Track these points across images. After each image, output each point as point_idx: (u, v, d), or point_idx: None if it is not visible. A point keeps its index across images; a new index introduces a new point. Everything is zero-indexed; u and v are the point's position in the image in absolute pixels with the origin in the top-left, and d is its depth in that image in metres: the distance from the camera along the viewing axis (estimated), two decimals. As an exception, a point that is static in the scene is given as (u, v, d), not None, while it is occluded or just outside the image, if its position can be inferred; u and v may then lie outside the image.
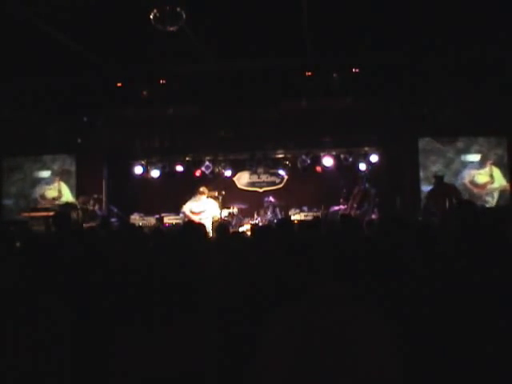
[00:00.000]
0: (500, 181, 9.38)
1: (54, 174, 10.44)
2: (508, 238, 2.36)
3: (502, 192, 9.35)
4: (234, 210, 9.19)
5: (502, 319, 1.80)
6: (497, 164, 9.45)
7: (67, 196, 10.27)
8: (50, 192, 10.39)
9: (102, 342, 1.90)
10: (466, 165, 9.52)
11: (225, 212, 8.92)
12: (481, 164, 9.46)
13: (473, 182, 9.44)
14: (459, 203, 3.63)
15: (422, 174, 9.57)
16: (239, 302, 2.47)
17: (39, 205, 10.03)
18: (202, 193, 8.46)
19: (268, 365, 1.51)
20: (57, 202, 10.06)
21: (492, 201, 9.33)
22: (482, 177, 9.43)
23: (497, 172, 9.41)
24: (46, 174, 10.48)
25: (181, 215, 9.22)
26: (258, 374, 1.52)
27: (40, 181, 10.47)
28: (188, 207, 8.47)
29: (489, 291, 1.88)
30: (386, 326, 1.54)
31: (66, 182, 10.40)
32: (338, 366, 1.44)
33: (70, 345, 1.78)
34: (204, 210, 8.35)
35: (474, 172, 9.47)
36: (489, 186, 9.40)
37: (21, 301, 1.76)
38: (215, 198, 9.07)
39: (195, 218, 8.16)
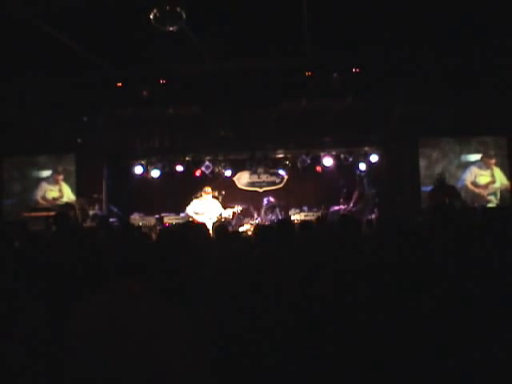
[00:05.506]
0: (501, 180, 9.38)
1: (55, 173, 10.41)
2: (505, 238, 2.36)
3: (502, 191, 9.35)
4: (238, 208, 9.07)
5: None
6: (497, 164, 9.44)
7: (68, 196, 10.25)
8: (52, 192, 10.37)
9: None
10: (466, 165, 9.51)
11: (228, 211, 8.83)
12: (482, 164, 9.45)
13: (474, 183, 9.43)
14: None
15: (422, 174, 9.55)
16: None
17: (39, 205, 10.01)
18: (207, 193, 8.44)
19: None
20: (57, 202, 10.05)
21: (495, 200, 9.33)
22: (483, 177, 9.41)
23: (498, 172, 9.41)
24: (46, 173, 10.46)
25: (182, 215, 9.21)
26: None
27: (41, 181, 10.45)
28: (192, 208, 8.42)
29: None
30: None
31: (67, 182, 10.39)
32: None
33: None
34: (207, 210, 8.32)
35: (475, 172, 9.46)
36: (491, 186, 9.40)
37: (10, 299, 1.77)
38: (215, 198, 9.04)
39: (198, 219, 8.13)
